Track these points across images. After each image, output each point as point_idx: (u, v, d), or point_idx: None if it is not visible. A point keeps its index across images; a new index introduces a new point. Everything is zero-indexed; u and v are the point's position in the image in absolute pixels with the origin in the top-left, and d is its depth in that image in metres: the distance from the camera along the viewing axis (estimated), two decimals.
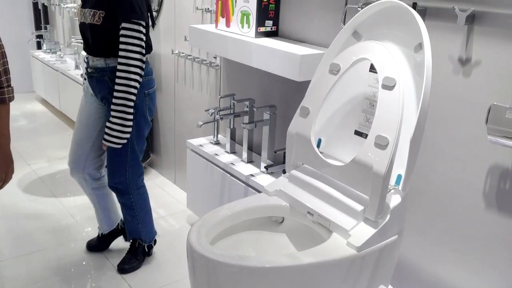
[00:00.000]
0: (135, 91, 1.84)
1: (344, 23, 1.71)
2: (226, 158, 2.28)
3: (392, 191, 1.31)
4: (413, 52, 1.34)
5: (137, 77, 1.83)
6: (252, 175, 2.09)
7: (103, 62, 1.91)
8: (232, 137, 2.36)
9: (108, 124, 1.87)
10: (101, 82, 1.93)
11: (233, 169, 2.17)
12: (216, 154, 2.32)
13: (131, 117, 1.87)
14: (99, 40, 1.88)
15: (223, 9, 2.16)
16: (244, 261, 1.16)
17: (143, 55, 1.84)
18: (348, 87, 1.48)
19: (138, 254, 2.21)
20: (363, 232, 1.26)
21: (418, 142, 1.28)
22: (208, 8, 2.50)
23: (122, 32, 1.80)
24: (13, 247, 2.33)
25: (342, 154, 1.48)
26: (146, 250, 2.22)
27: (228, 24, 2.15)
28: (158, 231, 2.57)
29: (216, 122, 2.43)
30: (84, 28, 1.91)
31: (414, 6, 1.45)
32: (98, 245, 2.31)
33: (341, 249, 1.23)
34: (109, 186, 2.07)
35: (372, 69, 1.42)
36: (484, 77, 1.41)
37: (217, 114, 2.29)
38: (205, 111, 2.38)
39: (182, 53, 2.74)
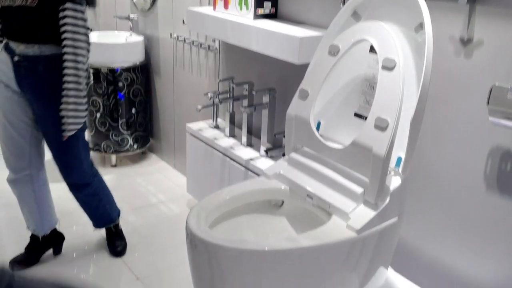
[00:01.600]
0: (84, 74, 1.72)
1: (343, 4, 1.68)
2: (225, 142, 2.27)
3: (392, 173, 1.31)
4: (413, 33, 1.32)
5: (85, 60, 1.70)
6: (251, 159, 2.09)
7: (36, 50, 1.69)
8: (232, 121, 2.35)
9: (63, 113, 1.70)
10: (32, 72, 1.72)
11: (233, 153, 2.16)
12: (216, 138, 2.31)
13: (85, 100, 1.74)
14: (33, 24, 1.66)
15: None
16: (243, 245, 1.16)
17: (88, 36, 1.70)
18: (347, 69, 1.46)
19: (120, 233, 2.22)
20: (363, 214, 1.25)
21: (418, 124, 1.27)
22: None
23: (65, 13, 1.62)
24: (13, 235, 2.33)
25: (342, 137, 1.47)
26: (120, 227, 2.22)
27: (226, 6, 2.12)
28: (158, 216, 2.57)
29: (215, 106, 2.41)
30: (9, 12, 1.68)
31: None
32: (27, 259, 2.07)
33: (341, 231, 1.23)
34: (68, 183, 1.97)
35: (372, 50, 1.40)
36: (486, 57, 1.39)
37: (216, 98, 2.27)
38: (204, 95, 2.37)
39: (181, 36, 2.72)
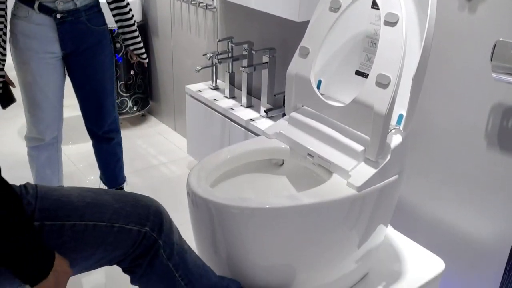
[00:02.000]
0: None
1: None
2: (225, 103, 2.26)
3: (393, 131, 1.30)
4: None
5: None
6: (252, 120, 2.08)
7: (72, 4, 1.73)
8: (231, 82, 2.33)
9: (137, 44, 1.98)
10: (76, 24, 1.76)
11: (233, 114, 2.15)
12: (215, 99, 2.29)
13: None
14: None
15: None
16: (244, 203, 1.16)
17: None
18: (349, 25, 1.43)
19: None
20: (363, 172, 1.25)
21: (420, 80, 1.25)
22: None
23: None
24: None
25: (343, 95, 1.46)
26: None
27: None
28: (159, 178, 2.58)
29: (214, 67, 2.38)
30: None
31: None
32: None
33: (341, 189, 1.23)
34: (103, 133, 2.02)
35: (374, 5, 1.37)
36: (490, 12, 1.36)
37: (215, 58, 2.24)
38: (203, 55, 2.33)
39: None
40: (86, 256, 0.93)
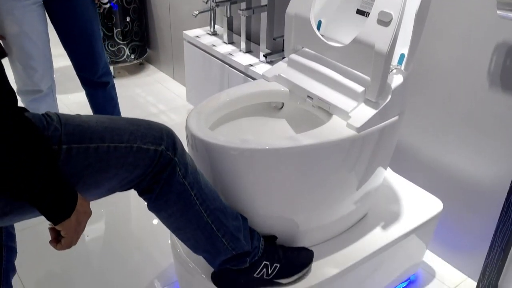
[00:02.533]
0: None
1: None
2: (224, 48, 2.22)
3: (394, 71, 1.28)
4: None
5: None
6: (251, 65, 2.05)
7: None
8: (230, 27, 2.28)
9: None
10: None
11: (232, 60, 2.12)
12: (214, 45, 2.25)
13: None
14: None
15: None
16: (244, 144, 1.16)
17: None
18: None
19: None
20: (363, 113, 1.24)
21: (423, 18, 1.22)
22: None
23: None
24: None
25: (343, 36, 1.42)
26: None
27: None
28: None
29: (212, 11, 2.32)
30: None
31: None
32: None
33: (341, 130, 1.23)
34: (98, 77, 1.99)
35: None
36: None
37: (212, 1, 2.18)
38: None
39: None
40: (110, 177, 0.99)
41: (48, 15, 1.85)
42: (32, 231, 1.83)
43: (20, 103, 1.91)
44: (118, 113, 2.19)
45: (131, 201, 2.01)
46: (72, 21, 1.85)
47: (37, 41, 1.80)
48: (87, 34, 1.89)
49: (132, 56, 3.01)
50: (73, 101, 2.76)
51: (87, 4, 1.85)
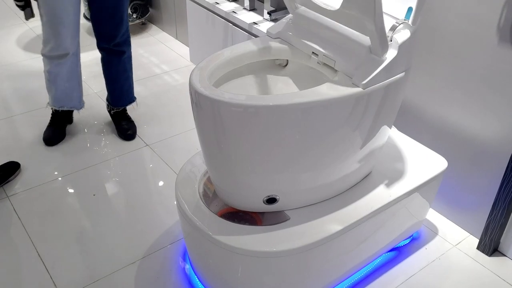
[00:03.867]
0: None
1: None
2: (227, 6, 2.17)
3: (401, 26, 1.25)
4: None
5: None
6: (255, 23, 2.01)
7: None
8: None
9: None
10: None
11: (235, 18, 2.08)
12: (217, 3, 2.20)
13: None
14: None
15: None
16: (248, 101, 1.15)
17: None
18: None
19: (129, 117, 2.21)
20: (369, 69, 1.22)
21: None
22: None
23: None
24: (22, 104, 2.35)
25: None
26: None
27: None
28: (163, 86, 2.56)
29: None
30: None
31: None
32: (59, 134, 2.12)
33: (346, 87, 1.21)
34: (115, 44, 1.96)
35: None
36: None
37: None
38: None
39: None
40: None
41: None
42: (38, 190, 1.85)
43: (43, 66, 1.93)
44: (129, 88, 2.15)
45: (136, 161, 2.02)
46: None
47: (68, 7, 1.79)
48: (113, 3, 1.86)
49: (134, 16, 2.96)
50: (89, 59, 2.74)
51: None
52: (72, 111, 2.16)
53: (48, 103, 2.09)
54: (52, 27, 1.82)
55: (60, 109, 2.08)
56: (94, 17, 1.93)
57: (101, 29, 1.94)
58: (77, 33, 1.90)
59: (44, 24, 1.83)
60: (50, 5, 1.77)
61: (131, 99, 2.18)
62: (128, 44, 2.02)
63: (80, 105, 2.12)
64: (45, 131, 2.11)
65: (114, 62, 2.04)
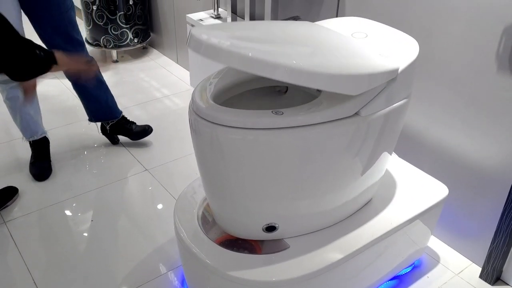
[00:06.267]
0: None
1: None
2: None
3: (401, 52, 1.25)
4: None
5: None
6: None
7: None
8: (233, 10, 2.25)
9: None
10: None
11: None
12: None
13: None
14: None
15: None
16: (247, 126, 1.14)
17: None
18: None
19: (129, 121, 2.22)
20: (369, 97, 1.22)
21: None
22: None
23: None
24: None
25: None
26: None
27: None
28: (163, 110, 2.57)
29: None
30: None
31: None
32: (42, 165, 2.06)
33: (346, 114, 1.21)
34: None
35: None
36: None
37: None
38: None
39: None
40: None
41: (22, 7, 1.79)
42: (36, 216, 1.83)
43: (1, 95, 1.90)
44: (112, 99, 2.14)
45: (135, 186, 2.01)
46: (49, 12, 1.80)
47: (16, 27, 1.75)
48: (65, 25, 1.85)
49: (135, 40, 2.99)
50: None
51: None
52: (47, 140, 2.10)
53: (22, 137, 2.06)
54: None
55: (31, 139, 2.04)
56: (50, 45, 1.86)
57: (69, 51, 1.87)
58: None
59: None
60: None
61: (119, 112, 2.18)
62: (90, 57, 1.96)
63: (45, 130, 2.09)
64: (30, 167, 2.05)
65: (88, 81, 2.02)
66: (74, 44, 1.90)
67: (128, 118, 2.22)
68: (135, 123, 2.23)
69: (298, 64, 1.07)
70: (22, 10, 1.81)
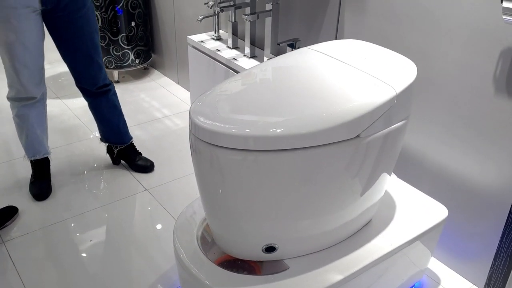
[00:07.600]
0: None
1: None
2: (228, 53, 2.22)
3: (399, 75, 1.27)
4: None
5: None
6: None
7: None
8: (234, 32, 2.28)
9: None
10: None
11: (236, 65, 2.12)
12: (218, 50, 2.25)
13: None
14: None
15: None
16: (247, 147, 1.15)
17: None
18: None
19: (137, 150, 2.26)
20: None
21: None
22: None
23: None
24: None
25: None
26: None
27: None
28: (163, 130, 2.58)
29: (216, 16, 2.33)
30: None
31: None
32: (42, 184, 2.07)
33: (344, 136, 1.22)
34: (97, 88, 1.99)
35: None
36: None
37: (217, 6, 2.18)
38: (205, 4, 2.27)
39: None
40: None
41: (46, 26, 1.84)
42: (34, 236, 1.83)
43: (10, 109, 1.93)
44: (124, 124, 2.18)
45: (134, 206, 2.01)
46: (73, 33, 1.84)
47: (32, 50, 1.78)
48: (88, 46, 1.89)
49: (137, 61, 3.02)
50: (78, 105, 2.76)
51: (88, 15, 1.84)
52: (48, 160, 2.11)
53: (24, 156, 2.07)
54: (16, 71, 1.79)
55: (33, 158, 2.05)
56: (73, 66, 1.93)
57: (82, 77, 1.97)
58: (42, 75, 1.88)
59: (7, 69, 1.81)
60: (13, 49, 1.74)
61: (129, 137, 2.22)
62: (110, 82, 2.04)
63: (49, 150, 2.10)
64: (30, 187, 2.06)
65: (103, 103, 2.06)
66: (94, 68, 1.94)
67: (136, 147, 2.25)
68: (140, 154, 2.25)
69: (298, 130, 1.12)
70: (47, 29, 1.85)
